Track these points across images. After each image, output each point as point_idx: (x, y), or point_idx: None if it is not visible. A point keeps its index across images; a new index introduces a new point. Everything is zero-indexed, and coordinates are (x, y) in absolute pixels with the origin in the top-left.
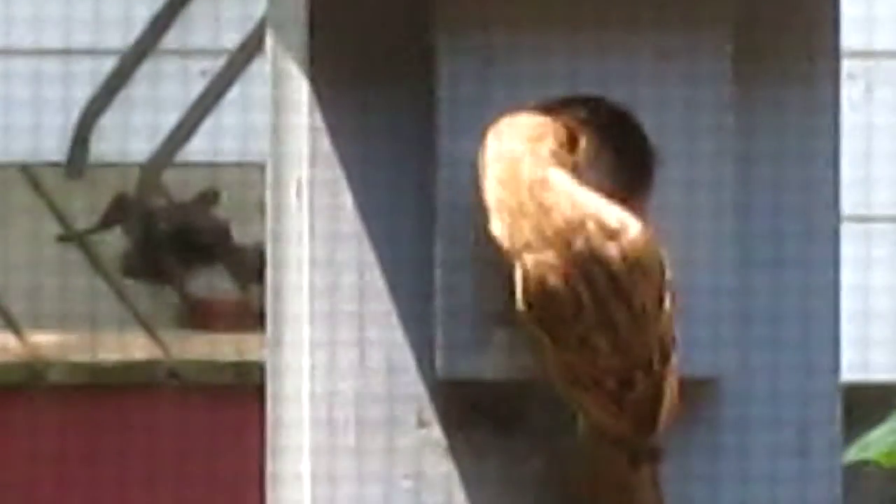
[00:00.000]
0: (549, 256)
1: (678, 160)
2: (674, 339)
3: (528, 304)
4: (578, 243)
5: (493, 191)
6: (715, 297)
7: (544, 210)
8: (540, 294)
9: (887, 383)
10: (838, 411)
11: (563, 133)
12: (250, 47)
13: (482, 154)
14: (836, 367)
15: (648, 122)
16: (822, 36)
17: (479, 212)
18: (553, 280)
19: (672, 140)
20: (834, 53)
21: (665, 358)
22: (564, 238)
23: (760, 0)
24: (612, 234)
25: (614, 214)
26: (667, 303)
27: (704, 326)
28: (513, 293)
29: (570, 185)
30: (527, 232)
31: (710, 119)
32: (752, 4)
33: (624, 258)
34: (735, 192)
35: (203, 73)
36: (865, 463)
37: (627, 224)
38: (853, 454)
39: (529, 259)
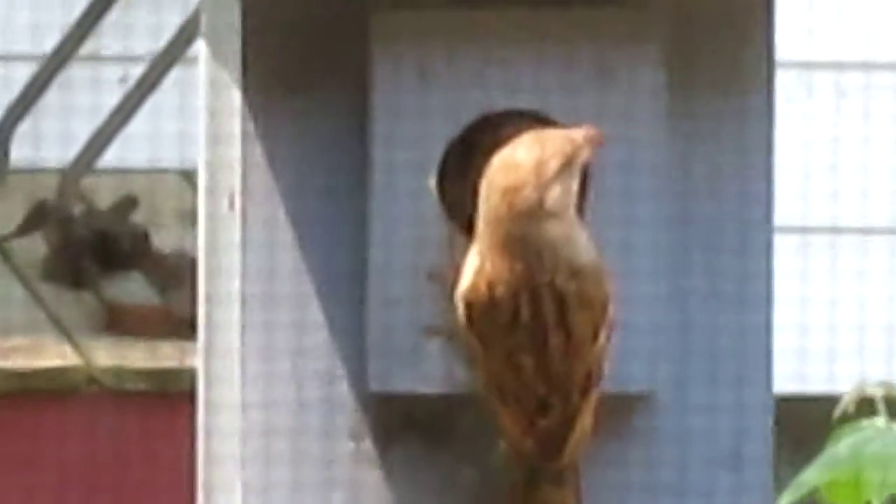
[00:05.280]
0: (506, 271)
1: (616, 172)
2: (600, 373)
3: (469, 303)
4: (539, 277)
5: (486, 189)
6: (652, 308)
7: (521, 234)
8: (484, 297)
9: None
10: (770, 424)
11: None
12: (169, 55)
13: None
14: (769, 380)
15: None
16: (756, 47)
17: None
18: (501, 291)
19: (610, 151)
20: (768, 65)
21: (586, 391)
22: (530, 267)
23: (695, 13)
24: (576, 274)
25: (583, 257)
26: (602, 338)
27: (641, 337)
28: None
29: (558, 216)
30: (496, 239)
31: (647, 131)
32: (686, 19)
33: (579, 297)
34: (672, 204)
35: (121, 79)
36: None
37: (592, 266)
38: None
39: (488, 263)
